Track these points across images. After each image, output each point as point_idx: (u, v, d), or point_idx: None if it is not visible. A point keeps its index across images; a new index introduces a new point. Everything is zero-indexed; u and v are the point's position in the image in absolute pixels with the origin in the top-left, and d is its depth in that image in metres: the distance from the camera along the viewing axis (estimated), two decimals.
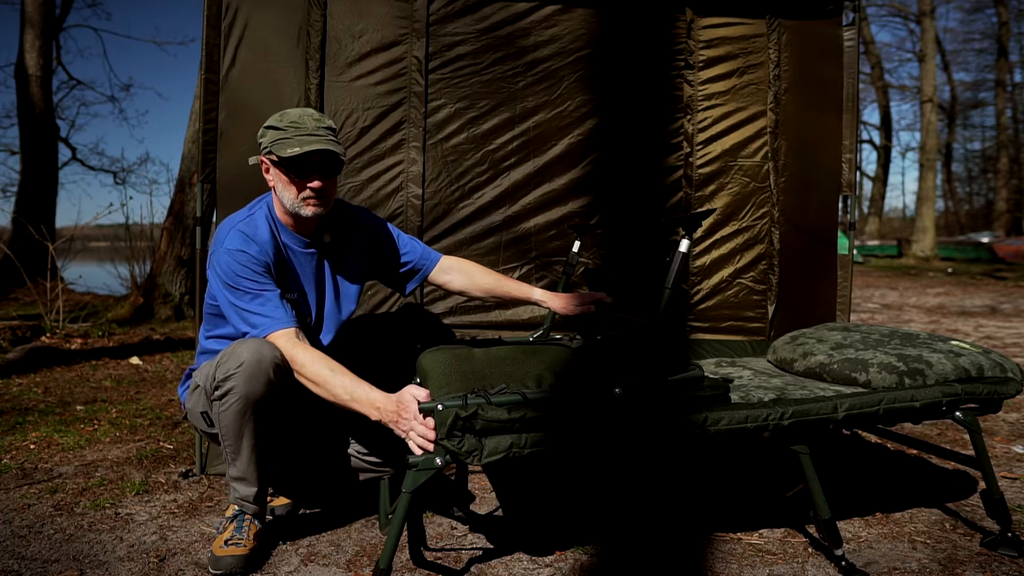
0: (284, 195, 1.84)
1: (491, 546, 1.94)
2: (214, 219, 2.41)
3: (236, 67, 2.37)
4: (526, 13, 2.55)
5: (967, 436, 2.95)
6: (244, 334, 1.80)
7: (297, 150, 1.76)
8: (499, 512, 2.19)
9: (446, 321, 2.56)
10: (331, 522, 2.08)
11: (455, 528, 2.06)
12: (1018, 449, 2.88)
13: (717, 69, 2.73)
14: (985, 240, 19.73)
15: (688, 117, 2.72)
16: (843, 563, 1.77)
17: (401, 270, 2.12)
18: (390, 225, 2.12)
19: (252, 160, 1.91)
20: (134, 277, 7.04)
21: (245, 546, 1.80)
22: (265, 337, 1.76)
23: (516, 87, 2.57)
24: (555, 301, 2.12)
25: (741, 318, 2.78)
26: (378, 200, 2.48)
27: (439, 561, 1.85)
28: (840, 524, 2.05)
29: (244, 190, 2.40)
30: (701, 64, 2.71)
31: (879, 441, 2.92)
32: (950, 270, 15.48)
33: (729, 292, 2.77)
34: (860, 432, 2.97)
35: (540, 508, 2.21)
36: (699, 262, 2.74)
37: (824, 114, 2.83)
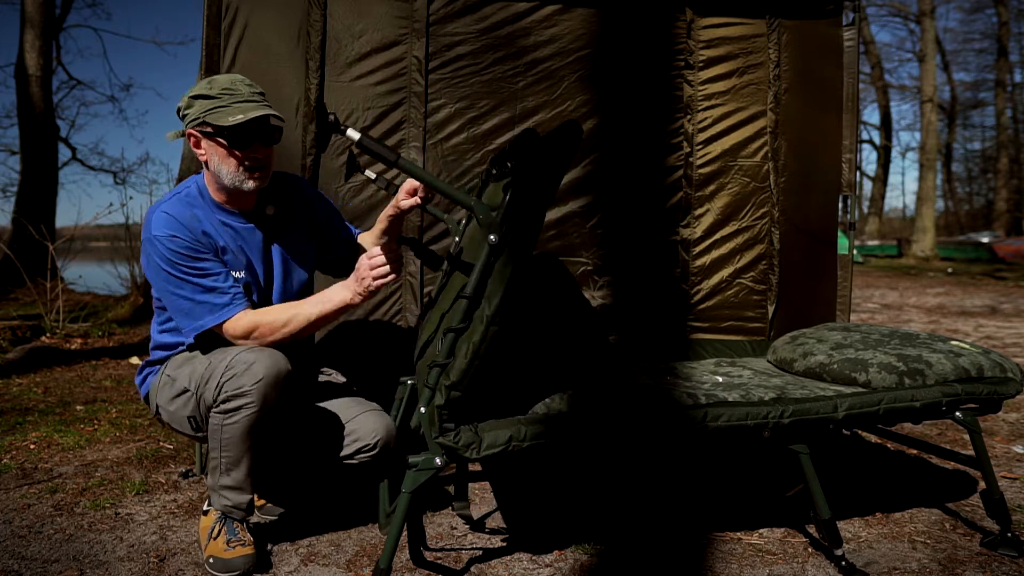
0: (221, 169, 1.73)
1: (491, 546, 1.94)
2: None
3: (236, 67, 2.37)
4: (526, 13, 2.55)
5: (967, 436, 2.95)
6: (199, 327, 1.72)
7: (240, 117, 1.64)
8: (499, 512, 2.19)
9: None
10: (331, 522, 2.08)
11: (455, 528, 2.06)
12: (1018, 449, 2.88)
13: (717, 69, 2.73)
14: (985, 240, 19.74)
15: (688, 117, 2.72)
16: (843, 563, 1.77)
17: (340, 251, 2.05)
18: (331, 201, 2.07)
19: (171, 135, 1.79)
20: (134, 277, 7.04)
21: (249, 544, 1.78)
22: (222, 325, 1.72)
23: (516, 87, 2.57)
24: (366, 238, 2.09)
25: (741, 318, 2.78)
26: (378, 200, 2.48)
27: (439, 561, 1.85)
28: (840, 524, 2.05)
29: None
30: (701, 64, 2.71)
31: (879, 441, 2.92)
32: (950, 270, 15.48)
33: (729, 292, 2.77)
34: (860, 432, 2.97)
35: (540, 508, 2.21)
36: (699, 262, 2.74)
37: (824, 114, 2.83)
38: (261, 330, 1.72)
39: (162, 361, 1.89)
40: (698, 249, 2.74)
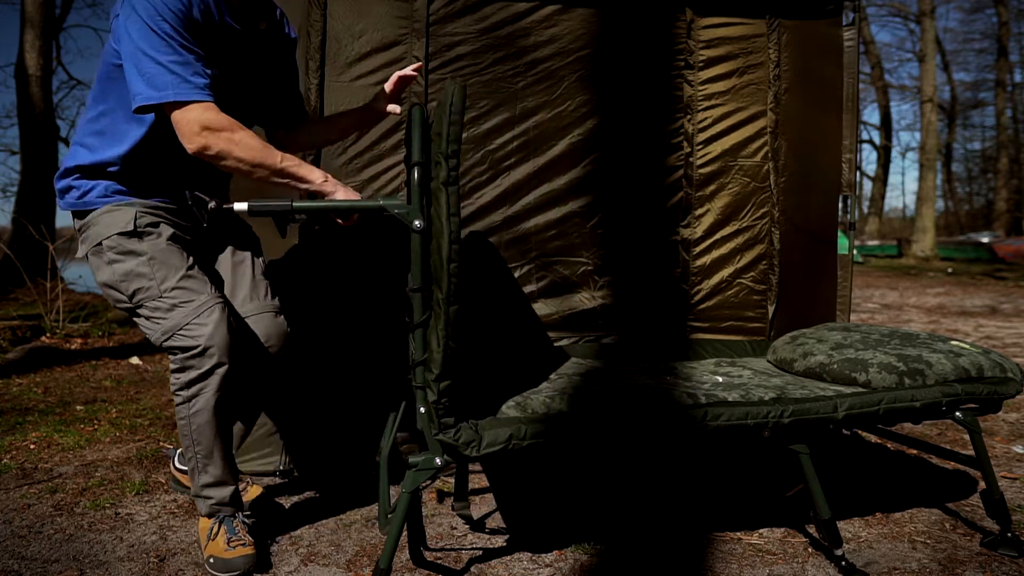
0: None
1: (491, 546, 1.94)
2: None
3: None
4: (526, 13, 2.55)
5: (967, 436, 2.95)
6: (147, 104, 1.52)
7: None
8: (499, 512, 2.19)
9: None
10: (331, 522, 2.08)
11: (455, 528, 2.06)
12: (1018, 449, 2.88)
13: (717, 69, 2.73)
14: (985, 240, 19.74)
15: (688, 117, 2.72)
16: (843, 563, 1.77)
17: (284, 104, 1.97)
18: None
19: None
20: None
21: (250, 544, 1.77)
22: (181, 104, 1.53)
23: (516, 87, 2.57)
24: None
25: (741, 318, 2.78)
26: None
27: (439, 561, 1.85)
28: (840, 524, 2.05)
29: (244, 190, 2.40)
30: (701, 64, 2.71)
31: (879, 441, 2.92)
32: (950, 270, 15.48)
33: (729, 292, 2.77)
34: (860, 432, 2.97)
35: (540, 508, 2.21)
36: (699, 262, 2.74)
37: (824, 114, 2.83)
38: (226, 136, 1.54)
39: (79, 173, 1.73)
40: (698, 249, 2.74)
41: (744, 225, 2.77)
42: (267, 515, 2.09)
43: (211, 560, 1.75)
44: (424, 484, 1.58)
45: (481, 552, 1.90)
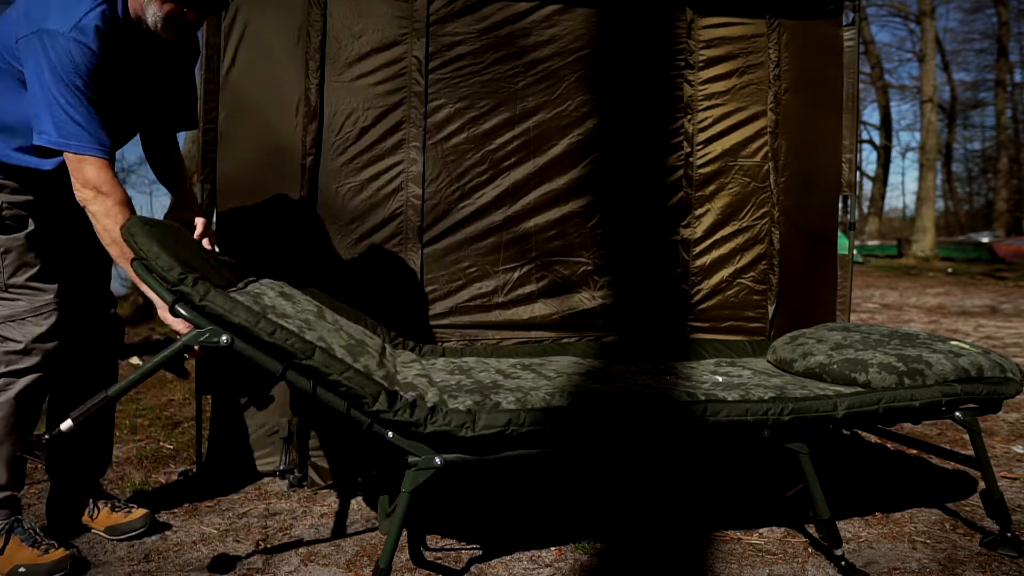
0: (150, 8, 1.66)
1: (491, 546, 1.94)
2: (214, 219, 2.41)
3: (236, 67, 2.37)
4: (526, 13, 2.55)
5: (967, 436, 2.95)
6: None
7: None
8: (499, 512, 2.19)
9: (445, 321, 2.56)
10: (331, 522, 2.08)
11: (455, 528, 2.06)
12: (1018, 449, 2.88)
13: (717, 69, 2.73)
14: (985, 240, 19.72)
15: (688, 117, 2.72)
16: (843, 563, 1.77)
17: (174, 112, 2.00)
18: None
19: None
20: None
21: (59, 546, 1.75)
22: (79, 156, 1.61)
23: (516, 87, 2.57)
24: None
25: (741, 318, 2.78)
26: (378, 200, 2.48)
27: (439, 561, 1.85)
28: (840, 524, 2.05)
29: (244, 190, 2.40)
30: (701, 64, 2.71)
31: (879, 441, 2.92)
32: (950, 270, 15.48)
33: (729, 292, 2.77)
34: (860, 432, 2.97)
35: (540, 508, 2.21)
36: (699, 262, 2.74)
37: (824, 114, 2.83)
38: (107, 203, 1.62)
39: None
40: (698, 249, 2.74)
41: (744, 225, 2.77)
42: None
43: (21, 570, 1.70)
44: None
45: (481, 552, 1.90)
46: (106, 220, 1.63)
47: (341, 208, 2.46)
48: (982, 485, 2.25)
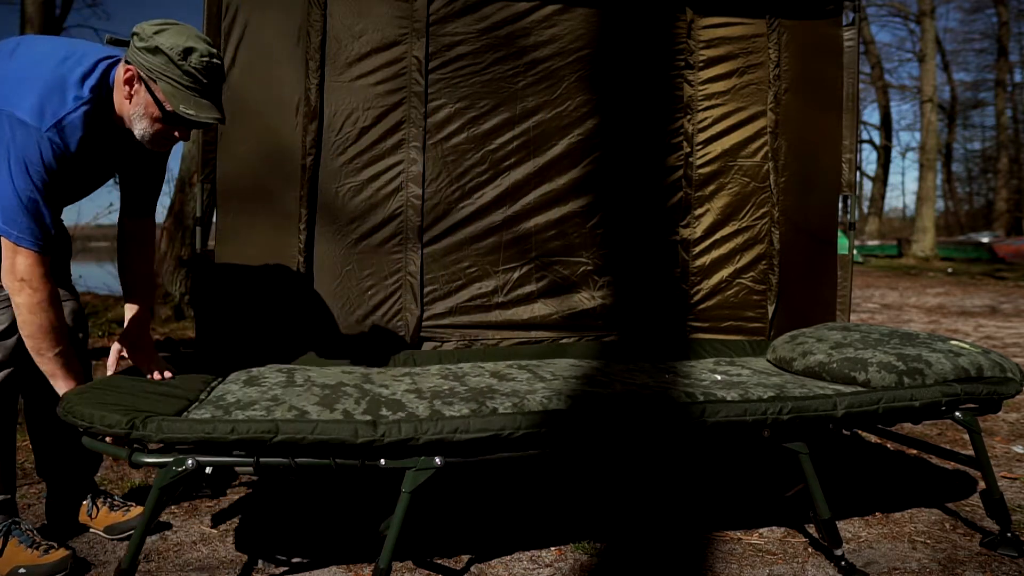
0: (139, 123, 1.64)
1: (491, 546, 1.94)
2: (214, 219, 2.41)
3: (236, 67, 2.37)
4: (526, 13, 2.55)
5: (967, 436, 2.95)
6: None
7: (192, 114, 1.58)
8: (499, 512, 2.19)
9: (445, 321, 2.56)
10: (330, 523, 2.08)
11: (455, 528, 2.06)
12: (1018, 449, 2.88)
13: (717, 69, 2.73)
14: (985, 240, 19.72)
15: (688, 117, 2.72)
16: (843, 563, 1.77)
17: (138, 192, 1.94)
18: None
19: (109, 39, 1.68)
20: None
21: (59, 546, 1.76)
22: (15, 246, 1.57)
23: (516, 87, 2.57)
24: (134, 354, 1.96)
25: (741, 318, 2.78)
26: (378, 200, 2.48)
27: (439, 561, 1.85)
28: (840, 524, 2.05)
29: (244, 190, 2.40)
30: (701, 64, 2.71)
31: (879, 441, 2.92)
32: (950, 270, 15.48)
33: (729, 292, 2.77)
34: (860, 432, 2.97)
35: (540, 508, 2.21)
36: (699, 262, 2.74)
37: (824, 114, 2.83)
38: (33, 297, 1.59)
39: None
40: (698, 249, 2.74)
41: (744, 225, 2.77)
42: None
43: (21, 571, 1.71)
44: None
45: (481, 552, 1.90)
46: (29, 315, 1.61)
47: (341, 208, 2.46)
48: (982, 485, 2.26)
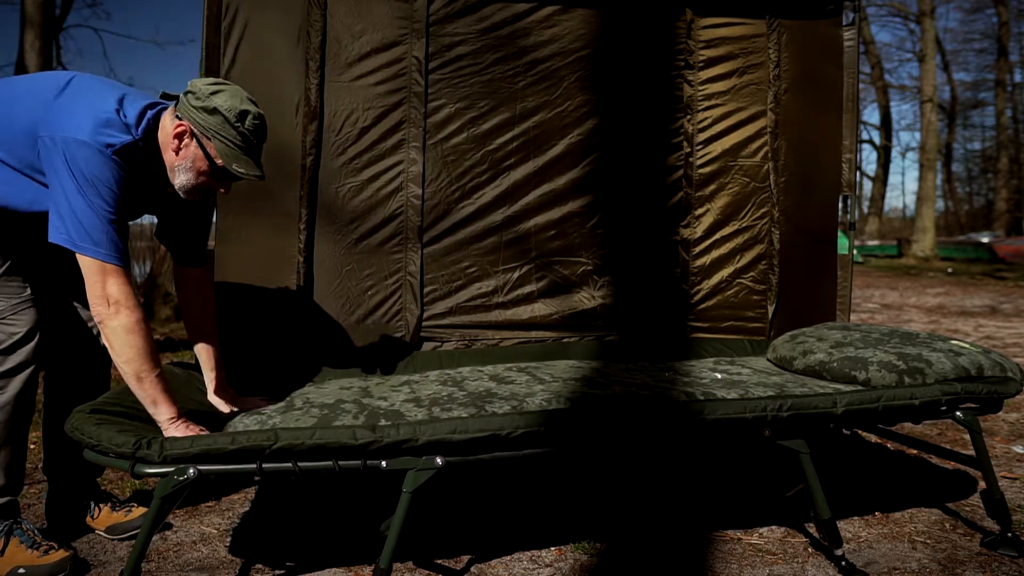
0: (184, 176, 1.67)
1: (491, 546, 1.94)
2: (214, 219, 2.40)
3: (236, 67, 2.37)
4: (526, 13, 2.55)
5: (967, 436, 2.95)
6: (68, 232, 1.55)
7: (242, 172, 1.64)
8: (499, 512, 2.19)
9: (445, 322, 2.56)
10: (330, 524, 2.08)
11: (455, 528, 2.06)
12: (1018, 449, 2.88)
13: (717, 69, 2.73)
14: (985, 240, 19.72)
15: (688, 117, 2.72)
16: (843, 563, 1.77)
17: (194, 248, 1.97)
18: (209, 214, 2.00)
19: (165, 94, 1.72)
20: (134, 277, 7.05)
21: (60, 547, 1.76)
22: (102, 263, 1.56)
23: (516, 87, 2.57)
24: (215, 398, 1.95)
25: (741, 318, 2.78)
26: (378, 200, 2.48)
27: (439, 561, 1.85)
28: (840, 524, 2.05)
29: (244, 190, 2.40)
30: (701, 64, 2.71)
31: (879, 441, 2.92)
32: (950, 270, 15.48)
33: (729, 292, 2.77)
34: (860, 432, 2.97)
35: (540, 508, 2.21)
36: (699, 262, 2.74)
37: (824, 114, 2.83)
38: (123, 320, 1.57)
39: None
40: (698, 249, 2.74)
41: (744, 225, 2.77)
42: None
43: (21, 571, 1.71)
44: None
45: (481, 552, 1.90)
46: (128, 336, 1.57)
47: (341, 208, 2.46)
48: (982, 485, 2.25)
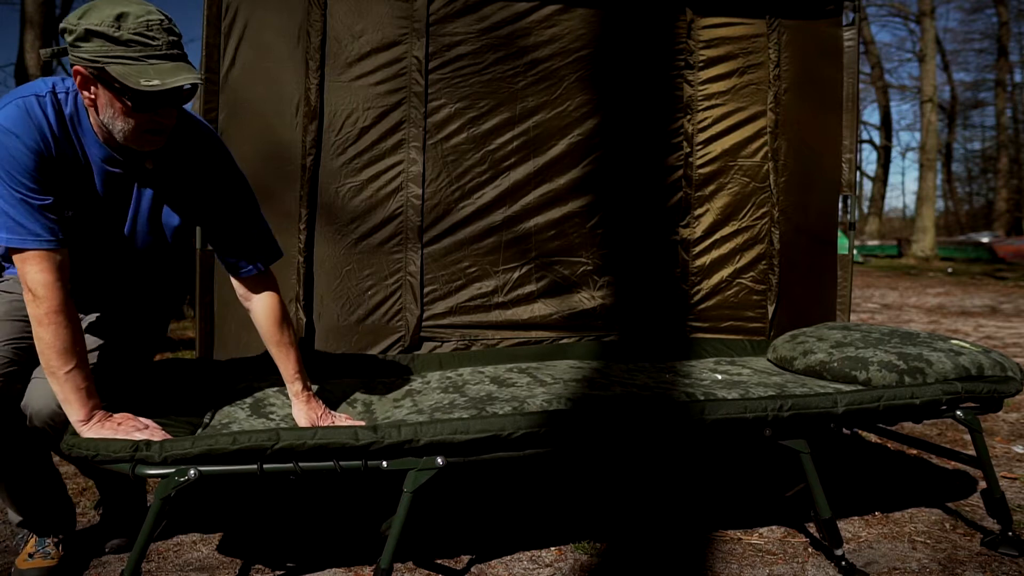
0: (115, 124, 1.44)
1: (491, 546, 1.94)
2: None
3: (236, 67, 2.37)
4: (526, 13, 2.55)
5: (967, 436, 2.95)
6: None
7: (157, 83, 1.34)
8: (499, 512, 2.19)
9: (445, 322, 2.56)
10: (330, 524, 2.08)
11: (455, 528, 2.06)
12: (1018, 449, 2.88)
13: (717, 69, 2.73)
14: (985, 240, 19.72)
15: (688, 117, 2.72)
16: (843, 563, 1.77)
17: (228, 252, 1.74)
18: (246, 186, 1.76)
19: (46, 53, 1.51)
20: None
21: (53, 557, 1.73)
22: (21, 254, 1.43)
23: (516, 87, 2.57)
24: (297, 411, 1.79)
25: (741, 318, 2.78)
26: (378, 200, 2.48)
27: (439, 561, 1.85)
28: (840, 524, 2.05)
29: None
30: (701, 64, 2.71)
31: (879, 441, 2.92)
32: (950, 270, 15.48)
33: (729, 292, 2.77)
34: (860, 432, 2.97)
35: (540, 508, 2.21)
36: (699, 262, 2.74)
37: (824, 114, 2.83)
38: (44, 307, 1.43)
39: None
40: (698, 249, 2.74)
41: (744, 225, 2.77)
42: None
43: (13, 568, 1.73)
44: None
45: (481, 552, 1.90)
46: (36, 327, 1.45)
47: (341, 208, 2.46)
48: (983, 484, 2.26)
